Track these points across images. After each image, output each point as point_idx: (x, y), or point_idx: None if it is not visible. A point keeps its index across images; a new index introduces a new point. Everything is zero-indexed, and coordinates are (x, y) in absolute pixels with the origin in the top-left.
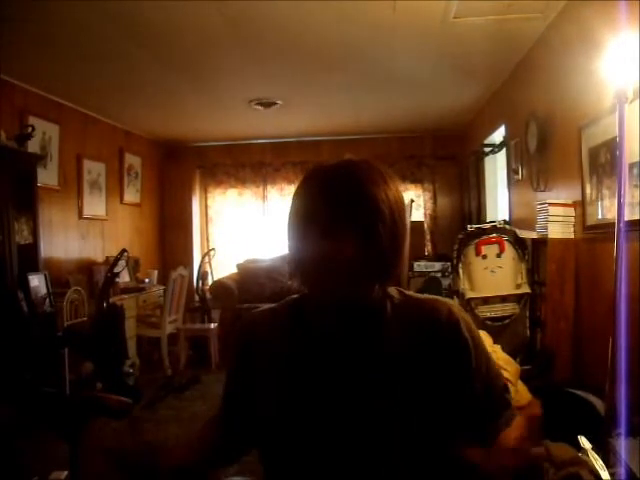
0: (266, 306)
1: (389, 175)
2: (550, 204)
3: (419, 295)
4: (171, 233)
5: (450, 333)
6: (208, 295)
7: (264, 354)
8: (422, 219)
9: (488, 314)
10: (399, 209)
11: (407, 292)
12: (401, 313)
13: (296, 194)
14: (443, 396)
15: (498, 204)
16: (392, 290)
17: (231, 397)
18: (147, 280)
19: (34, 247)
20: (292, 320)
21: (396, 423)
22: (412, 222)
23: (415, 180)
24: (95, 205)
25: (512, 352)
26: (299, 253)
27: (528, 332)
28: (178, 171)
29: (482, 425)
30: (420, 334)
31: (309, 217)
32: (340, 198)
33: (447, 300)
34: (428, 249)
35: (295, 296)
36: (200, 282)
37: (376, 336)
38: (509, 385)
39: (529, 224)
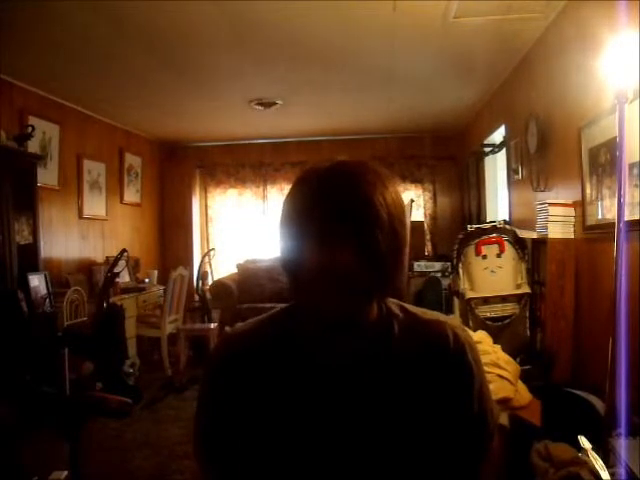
0: (248, 322)
1: (386, 176)
2: (550, 204)
3: (422, 313)
4: (171, 233)
5: (457, 358)
6: (208, 295)
7: (252, 383)
8: (422, 219)
9: (488, 314)
10: (397, 212)
11: (408, 308)
12: (408, 335)
13: (288, 196)
14: (445, 419)
15: (498, 204)
16: (393, 306)
17: (218, 439)
18: (147, 280)
19: (34, 247)
20: (282, 340)
21: (402, 448)
22: (412, 222)
23: (415, 180)
24: (95, 205)
25: (512, 352)
26: (291, 262)
27: (528, 332)
28: (178, 171)
29: (470, 447)
30: (428, 358)
31: (301, 222)
32: (333, 202)
33: (452, 321)
34: (428, 249)
35: (280, 309)
36: (200, 282)
37: (384, 359)
38: (498, 410)
39: (529, 224)
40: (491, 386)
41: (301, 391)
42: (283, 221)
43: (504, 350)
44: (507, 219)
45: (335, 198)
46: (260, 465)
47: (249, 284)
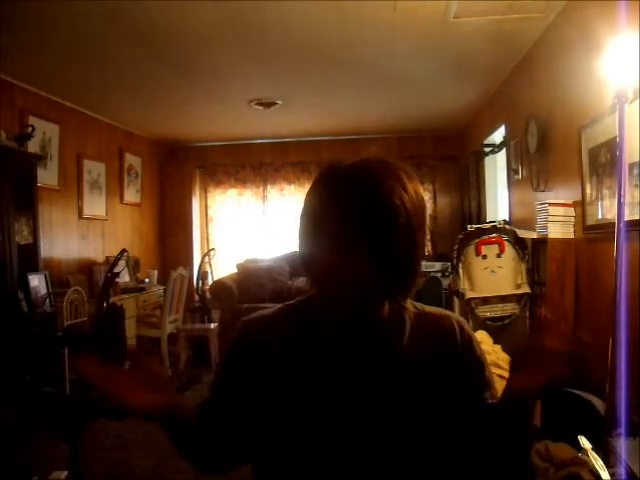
0: (266, 310)
1: (409, 176)
2: (550, 204)
3: (430, 308)
4: (171, 233)
5: (465, 349)
6: (208, 295)
7: (267, 363)
8: None
9: (488, 314)
10: (417, 215)
11: (417, 304)
12: (418, 327)
13: (308, 194)
14: (457, 405)
15: (498, 204)
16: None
17: (221, 404)
18: (147, 280)
19: (34, 247)
20: (298, 327)
21: (412, 437)
22: None
23: None
24: (95, 205)
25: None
26: (309, 257)
27: (528, 332)
28: (178, 171)
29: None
30: (438, 349)
31: (317, 221)
32: (348, 205)
33: (457, 315)
34: (428, 249)
35: (296, 301)
36: (200, 282)
37: (396, 349)
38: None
39: (529, 224)
40: None
41: (315, 377)
42: (302, 218)
43: (504, 350)
44: (507, 219)
45: (351, 201)
46: (273, 437)
47: (249, 284)
